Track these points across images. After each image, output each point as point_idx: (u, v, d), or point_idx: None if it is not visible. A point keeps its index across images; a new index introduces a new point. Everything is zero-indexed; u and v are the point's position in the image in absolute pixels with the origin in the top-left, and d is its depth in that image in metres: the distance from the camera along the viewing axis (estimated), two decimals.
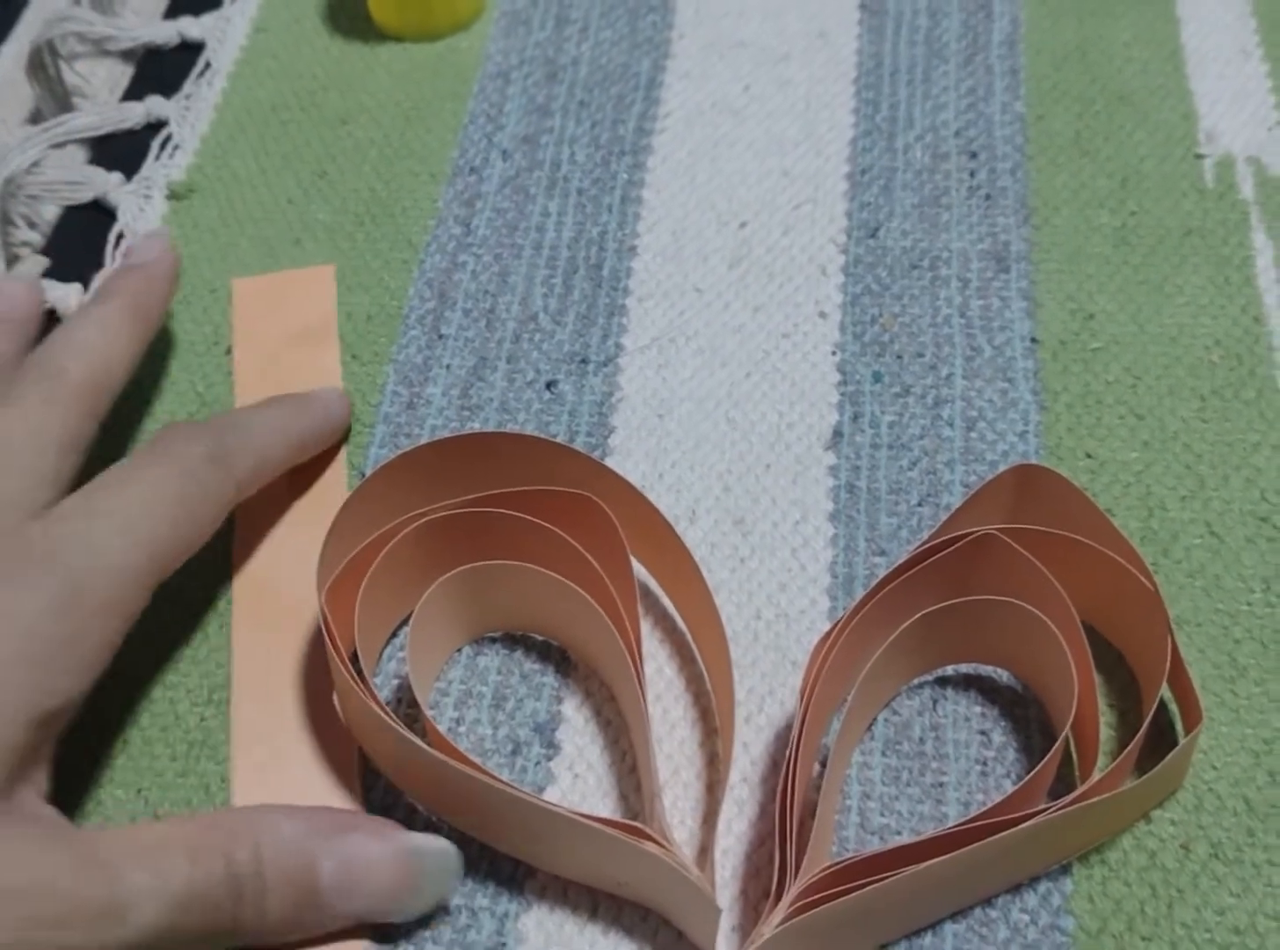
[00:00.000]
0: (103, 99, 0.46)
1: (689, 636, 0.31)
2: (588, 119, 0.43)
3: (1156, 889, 0.27)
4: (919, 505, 0.33)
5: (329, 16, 0.47)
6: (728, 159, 0.41)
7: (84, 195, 0.42)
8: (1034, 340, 0.36)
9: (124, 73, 0.47)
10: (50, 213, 0.42)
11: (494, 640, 0.31)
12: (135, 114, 0.45)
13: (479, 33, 0.46)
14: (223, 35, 0.47)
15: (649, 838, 0.25)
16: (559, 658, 0.31)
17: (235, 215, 0.41)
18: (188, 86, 0.46)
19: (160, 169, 0.43)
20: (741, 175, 0.41)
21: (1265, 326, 0.36)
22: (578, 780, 0.29)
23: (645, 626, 0.31)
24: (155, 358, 0.37)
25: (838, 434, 0.35)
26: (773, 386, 0.36)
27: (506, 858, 0.28)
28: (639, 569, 0.31)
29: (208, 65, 0.46)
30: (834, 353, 0.36)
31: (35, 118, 0.46)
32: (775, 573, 0.32)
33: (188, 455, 0.29)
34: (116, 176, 0.42)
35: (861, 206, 0.40)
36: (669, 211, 0.40)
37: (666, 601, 0.32)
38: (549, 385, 0.36)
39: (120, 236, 0.41)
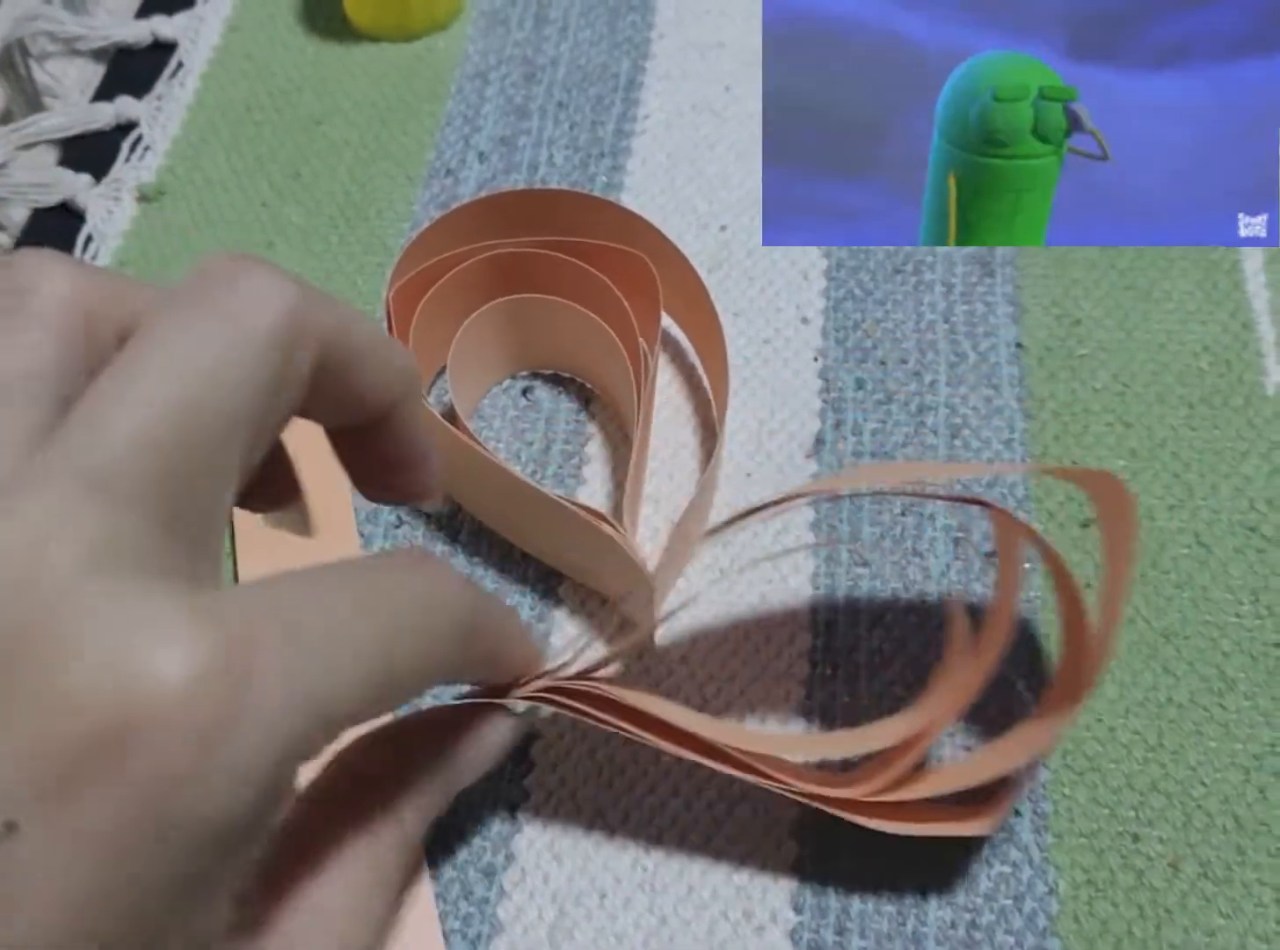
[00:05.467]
0: (74, 99, 0.45)
1: (704, 380, 0.35)
2: (566, 120, 0.42)
3: (1144, 909, 0.27)
4: (902, 515, 0.32)
5: (304, 16, 0.47)
6: (708, 161, 0.41)
7: (52, 198, 0.41)
8: (1019, 346, 0.35)
9: (96, 72, 0.46)
10: (19, 215, 0.41)
11: None
12: (105, 115, 0.44)
13: (457, 33, 0.45)
14: (196, 35, 0.46)
15: (609, 523, 0.29)
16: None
17: (207, 217, 0.40)
18: (159, 87, 0.45)
19: (130, 170, 0.42)
20: (722, 177, 0.40)
21: (1254, 332, 0.35)
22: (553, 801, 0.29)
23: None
24: None
25: (820, 441, 0.34)
26: (753, 393, 0.35)
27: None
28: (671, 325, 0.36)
29: (180, 65, 0.46)
30: (816, 359, 0.36)
31: (5, 118, 0.45)
32: (755, 584, 0.32)
33: None
34: (85, 178, 0.42)
35: None
36: (648, 214, 0.39)
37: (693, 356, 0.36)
38: (525, 392, 0.35)
39: (89, 239, 0.40)
